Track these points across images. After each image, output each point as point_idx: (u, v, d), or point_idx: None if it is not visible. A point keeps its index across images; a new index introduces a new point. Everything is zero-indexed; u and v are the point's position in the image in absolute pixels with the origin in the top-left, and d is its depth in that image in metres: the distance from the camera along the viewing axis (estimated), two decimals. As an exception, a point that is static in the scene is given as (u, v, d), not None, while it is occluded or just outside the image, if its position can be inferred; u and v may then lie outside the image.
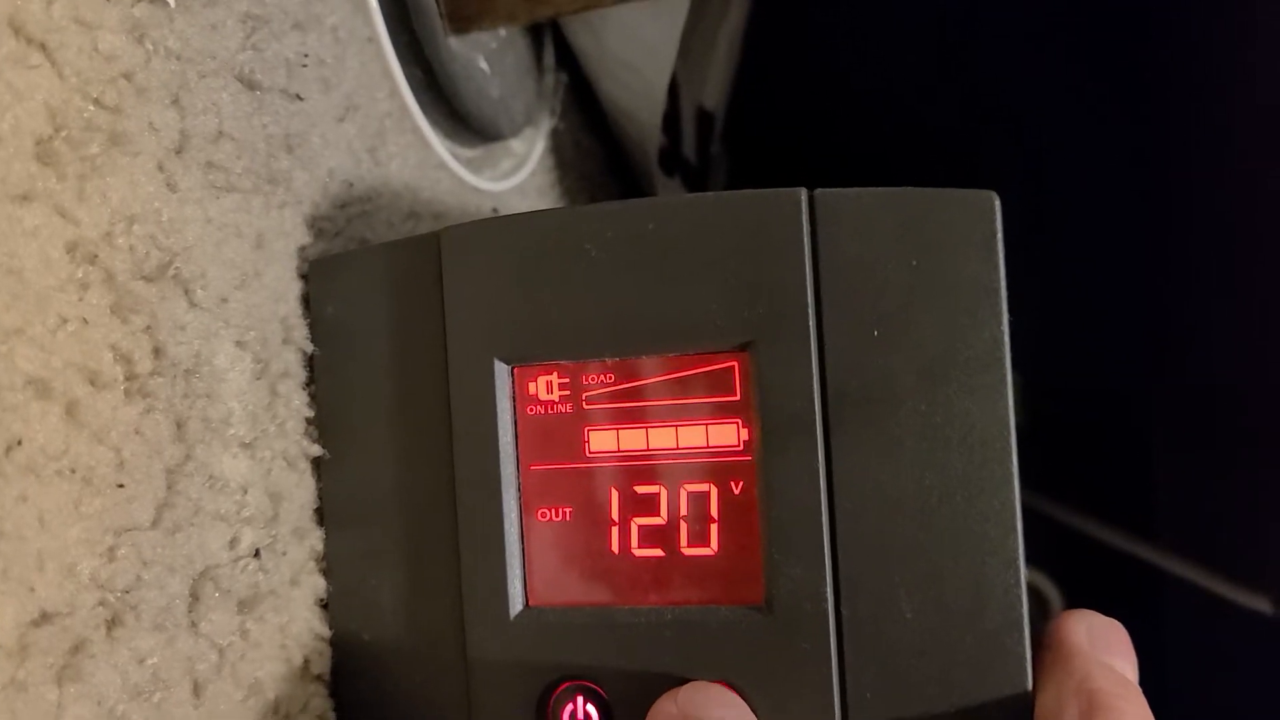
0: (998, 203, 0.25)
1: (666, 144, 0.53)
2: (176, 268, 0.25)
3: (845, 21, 0.57)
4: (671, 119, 0.51)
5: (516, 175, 0.44)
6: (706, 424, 0.26)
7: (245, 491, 0.26)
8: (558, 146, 0.48)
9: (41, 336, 0.22)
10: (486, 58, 0.40)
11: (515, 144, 0.45)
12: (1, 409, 0.21)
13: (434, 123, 0.38)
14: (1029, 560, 0.25)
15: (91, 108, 0.23)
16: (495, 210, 0.42)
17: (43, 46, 0.22)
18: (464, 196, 0.39)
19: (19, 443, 0.21)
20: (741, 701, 0.25)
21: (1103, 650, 0.25)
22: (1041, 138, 0.55)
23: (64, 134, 0.22)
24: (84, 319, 0.23)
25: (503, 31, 0.42)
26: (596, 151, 0.54)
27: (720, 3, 0.51)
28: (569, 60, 0.49)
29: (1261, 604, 0.48)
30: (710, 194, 0.27)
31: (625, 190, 0.57)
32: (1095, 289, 0.54)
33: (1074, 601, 0.56)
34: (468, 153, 0.41)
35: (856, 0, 0.56)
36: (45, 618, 0.21)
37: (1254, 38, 0.44)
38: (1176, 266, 0.51)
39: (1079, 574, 0.56)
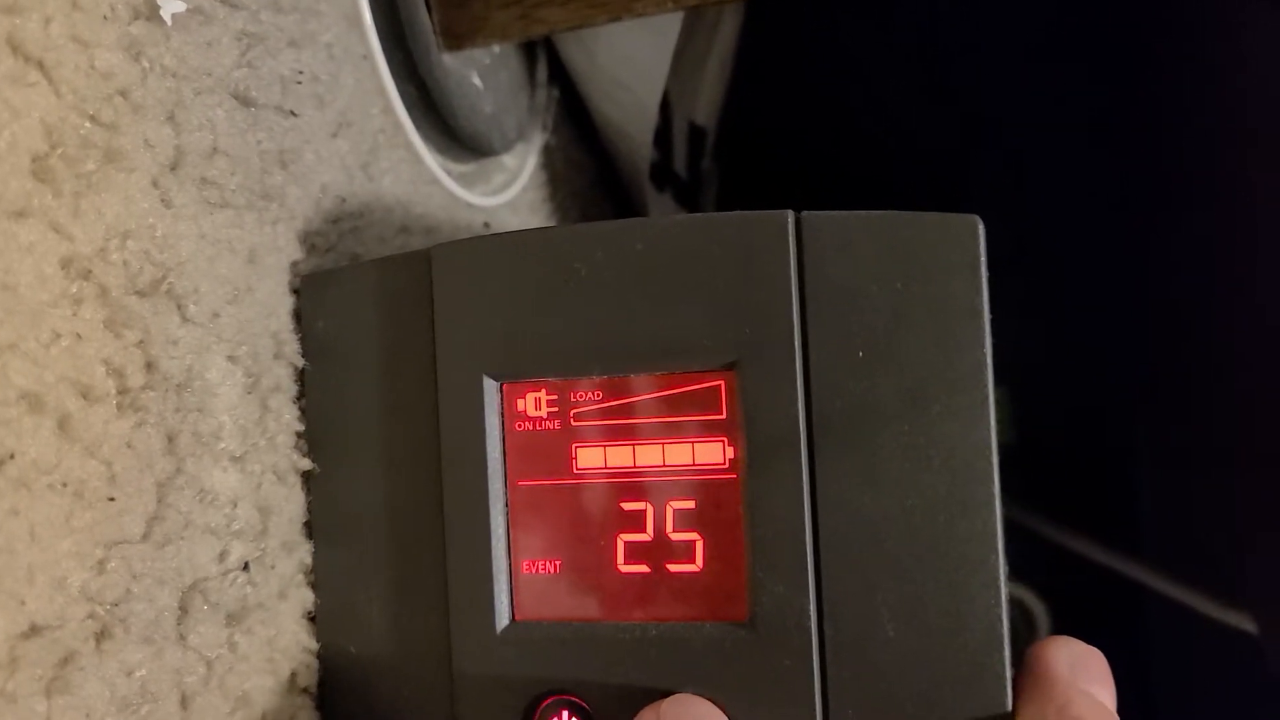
0: (981, 227, 0.25)
1: (658, 159, 0.53)
2: (170, 283, 0.25)
3: (837, 38, 0.57)
4: (663, 134, 0.52)
5: (508, 190, 0.44)
6: (692, 442, 0.27)
7: (235, 505, 0.27)
8: (549, 161, 0.49)
9: (35, 351, 0.22)
10: (480, 74, 0.41)
11: (507, 159, 0.45)
12: (-6, 423, 0.21)
13: (427, 138, 0.38)
14: (1014, 575, 0.26)
15: (88, 125, 0.23)
16: (486, 225, 0.42)
17: (40, 64, 0.22)
18: (455, 211, 0.40)
19: (11, 457, 0.21)
20: (724, 716, 0.25)
21: (1084, 679, 0.25)
22: (1031, 155, 0.56)
23: (60, 151, 0.23)
24: (77, 334, 0.23)
25: (496, 48, 0.42)
26: (588, 166, 0.55)
27: (712, 19, 0.52)
28: (561, 76, 0.50)
29: (1245, 622, 0.48)
30: (698, 215, 0.27)
31: (616, 205, 0.57)
32: (1081, 305, 0.55)
33: (1059, 616, 0.56)
34: (460, 168, 0.42)
35: (848, 18, 0.57)
36: (35, 630, 0.21)
37: (1244, 61, 0.44)
38: (1163, 284, 0.52)
39: (1064, 589, 0.56)
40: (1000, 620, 0.25)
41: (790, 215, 0.26)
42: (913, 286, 0.25)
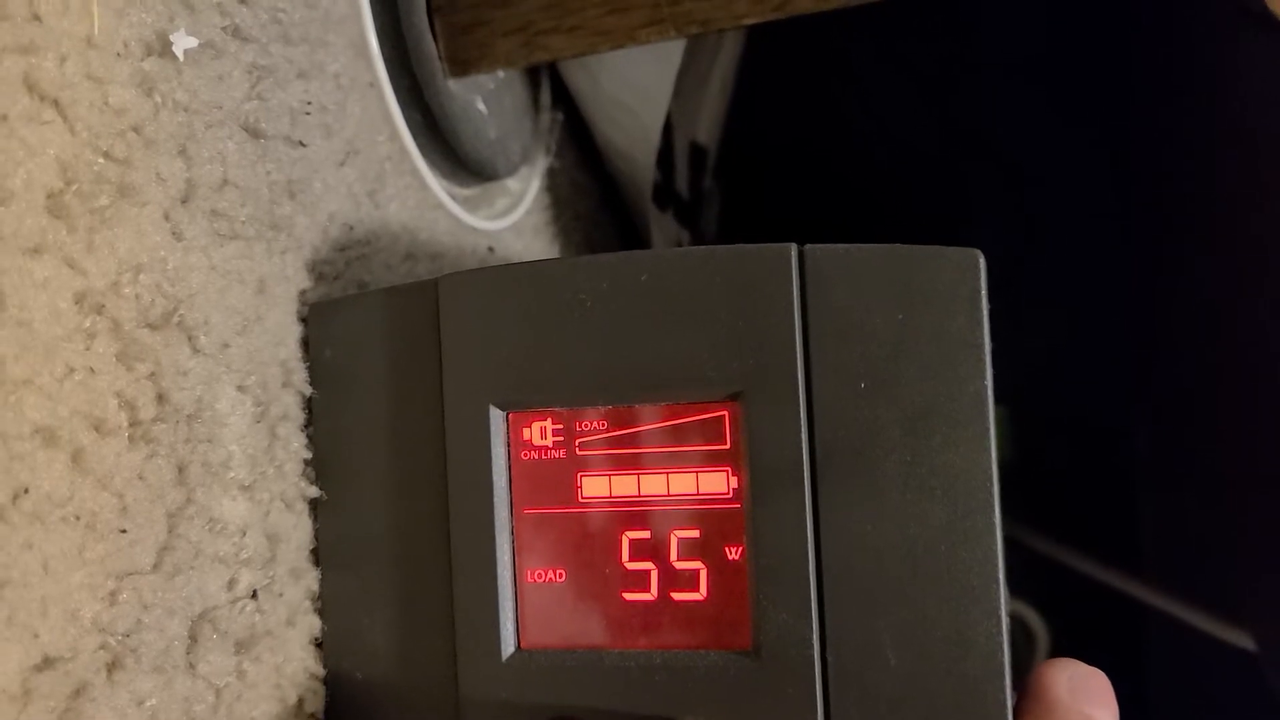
0: (982, 260, 0.26)
1: (660, 179, 0.53)
2: (181, 315, 0.25)
3: (836, 58, 0.58)
4: (665, 154, 0.52)
5: (512, 214, 0.44)
6: (697, 472, 0.27)
7: (244, 533, 0.27)
8: (553, 185, 0.49)
9: (49, 386, 0.22)
10: (484, 99, 0.41)
11: (511, 183, 0.46)
12: (9, 458, 0.21)
13: (432, 164, 0.39)
14: (1014, 592, 0.26)
15: (101, 161, 0.24)
16: (491, 249, 0.42)
17: (55, 103, 0.23)
18: (460, 236, 0.40)
19: (25, 491, 0.22)
20: (729, 745, 0.26)
21: (1083, 702, 0.25)
22: (1030, 172, 0.56)
23: (74, 187, 0.23)
24: (90, 368, 0.23)
25: (500, 73, 0.43)
26: (591, 189, 0.55)
27: (715, 40, 0.52)
28: (565, 99, 0.50)
29: (1244, 639, 0.48)
30: (703, 248, 0.27)
31: (619, 226, 0.58)
32: (1082, 324, 0.55)
33: (1059, 633, 0.57)
34: (464, 192, 0.42)
35: (848, 37, 0.57)
36: (48, 662, 0.22)
37: (1240, 77, 0.45)
38: (1163, 304, 0.52)
39: (1065, 607, 0.57)
40: (1001, 648, 0.25)
41: (793, 248, 0.26)
42: (914, 319, 0.26)
